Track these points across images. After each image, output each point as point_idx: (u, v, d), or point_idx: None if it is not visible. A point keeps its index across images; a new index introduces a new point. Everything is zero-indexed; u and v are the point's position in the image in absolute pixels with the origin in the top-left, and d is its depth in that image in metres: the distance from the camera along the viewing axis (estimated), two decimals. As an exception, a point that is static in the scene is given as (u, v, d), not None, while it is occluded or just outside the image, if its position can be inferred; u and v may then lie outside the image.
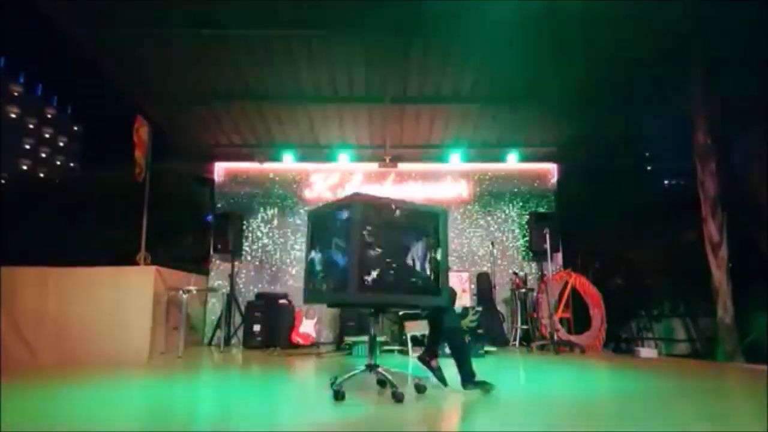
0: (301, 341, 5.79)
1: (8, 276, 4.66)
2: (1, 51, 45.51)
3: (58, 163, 50.89)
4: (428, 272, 2.61)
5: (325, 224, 2.72)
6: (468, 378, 2.82)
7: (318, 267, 2.68)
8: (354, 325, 5.74)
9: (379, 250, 2.47)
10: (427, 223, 2.69)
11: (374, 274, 2.42)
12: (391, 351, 5.42)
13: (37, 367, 4.25)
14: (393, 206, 2.59)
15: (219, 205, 7.04)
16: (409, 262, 2.57)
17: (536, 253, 6.73)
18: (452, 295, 2.97)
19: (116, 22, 4.75)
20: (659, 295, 6.28)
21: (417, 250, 2.60)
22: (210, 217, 6.93)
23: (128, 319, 4.76)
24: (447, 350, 3.06)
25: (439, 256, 2.67)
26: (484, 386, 2.78)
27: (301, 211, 7.06)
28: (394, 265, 2.49)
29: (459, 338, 2.97)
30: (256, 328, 5.86)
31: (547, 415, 2.55)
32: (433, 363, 3.04)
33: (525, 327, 6.30)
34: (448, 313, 2.89)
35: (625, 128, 6.58)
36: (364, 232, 2.44)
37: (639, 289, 6.38)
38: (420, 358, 3.10)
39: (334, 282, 2.53)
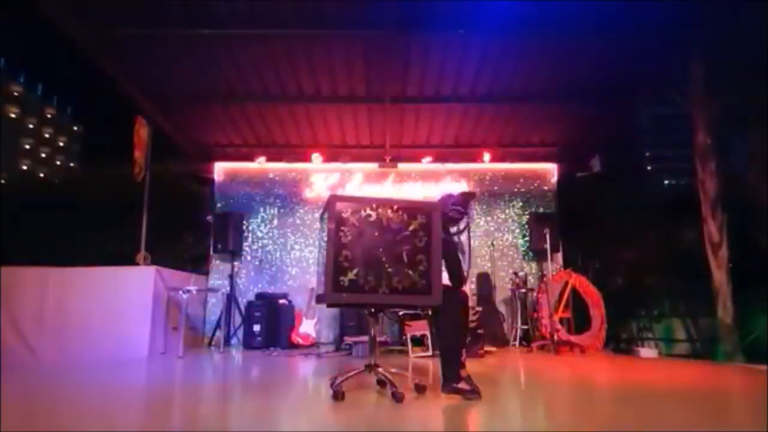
0: (301, 341, 5.79)
1: (8, 276, 4.66)
2: (1, 51, 45.57)
3: (58, 163, 50.93)
4: (418, 270, 2.49)
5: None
6: (449, 380, 2.55)
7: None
8: (354, 325, 5.74)
9: (361, 250, 2.44)
10: (417, 219, 2.54)
11: (351, 274, 2.39)
12: (391, 351, 5.42)
13: (37, 367, 4.24)
14: (378, 205, 2.52)
15: (219, 205, 7.04)
16: (397, 261, 2.47)
17: (536, 253, 6.74)
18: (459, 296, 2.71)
19: (116, 22, 4.76)
20: (659, 295, 6.27)
21: (407, 247, 2.50)
22: (210, 217, 6.92)
23: (128, 319, 4.75)
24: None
25: (431, 254, 2.52)
26: (466, 393, 2.52)
27: (301, 211, 7.06)
28: (377, 265, 2.45)
29: (452, 337, 2.64)
30: (256, 328, 5.85)
31: (547, 415, 2.55)
32: (462, 385, 2.55)
33: (525, 327, 6.30)
34: (444, 312, 2.62)
35: (625, 128, 6.58)
36: (340, 233, 2.41)
37: (639, 289, 6.37)
38: (446, 389, 2.59)
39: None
